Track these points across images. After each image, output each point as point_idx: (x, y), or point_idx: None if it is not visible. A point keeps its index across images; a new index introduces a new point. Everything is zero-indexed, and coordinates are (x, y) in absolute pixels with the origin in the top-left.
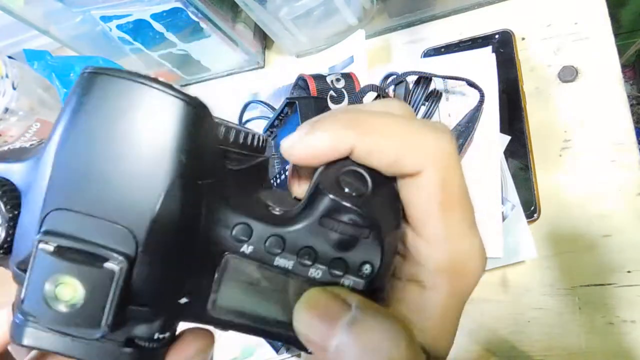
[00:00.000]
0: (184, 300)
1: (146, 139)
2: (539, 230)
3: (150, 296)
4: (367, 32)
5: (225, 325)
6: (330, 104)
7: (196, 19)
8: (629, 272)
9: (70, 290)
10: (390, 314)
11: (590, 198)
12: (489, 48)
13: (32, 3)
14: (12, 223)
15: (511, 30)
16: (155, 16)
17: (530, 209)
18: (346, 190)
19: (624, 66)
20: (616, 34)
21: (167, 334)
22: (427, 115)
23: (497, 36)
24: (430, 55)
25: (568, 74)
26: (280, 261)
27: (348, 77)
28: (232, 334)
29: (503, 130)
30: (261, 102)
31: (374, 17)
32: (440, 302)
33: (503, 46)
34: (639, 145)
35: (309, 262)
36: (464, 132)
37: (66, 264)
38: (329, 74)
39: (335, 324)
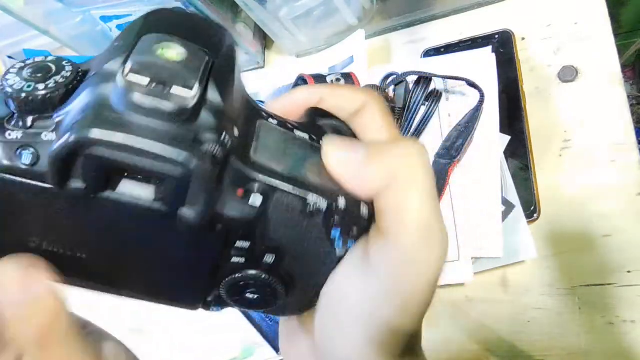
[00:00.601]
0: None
1: None
2: (539, 230)
3: (225, 93)
4: (367, 32)
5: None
6: None
7: None
8: (629, 272)
9: (173, 51)
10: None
11: (590, 198)
12: (489, 48)
13: (32, 3)
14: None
15: (511, 30)
16: None
17: (530, 209)
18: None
19: (624, 66)
20: (616, 34)
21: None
22: (427, 115)
23: (497, 36)
24: (430, 55)
25: (568, 74)
26: (297, 133)
27: (348, 77)
28: (232, 334)
29: (503, 130)
30: (261, 102)
31: (374, 17)
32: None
33: (503, 46)
34: (639, 145)
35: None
36: (463, 132)
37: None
38: (329, 74)
39: (358, 151)
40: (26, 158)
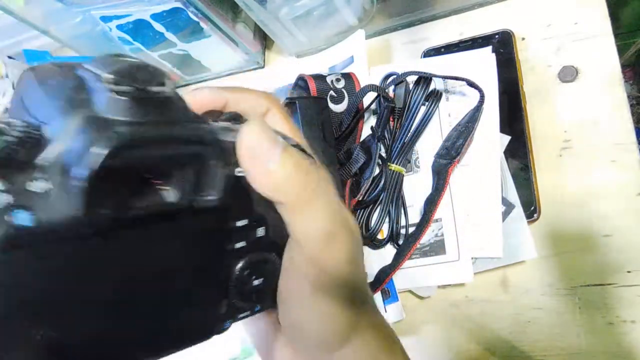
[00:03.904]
0: None
1: None
2: (539, 230)
3: None
4: (367, 32)
5: None
6: (330, 104)
7: (196, 19)
8: (629, 272)
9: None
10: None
11: (590, 198)
12: (489, 48)
13: (32, 3)
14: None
15: (511, 30)
16: (155, 16)
17: (530, 209)
18: None
19: (624, 66)
20: (616, 34)
21: None
22: (427, 115)
23: (497, 36)
24: (430, 55)
25: (568, 74)
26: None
27: (348, 77)
28: (232, 334)
29: (503, 130)
30: None
31: (374, 17)
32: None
33: (503, 46)
34: (639, 145)
35: None
36: (464, 132)
37: None
38: (329, 74)
39: (276, 142)
40: (23, 219)
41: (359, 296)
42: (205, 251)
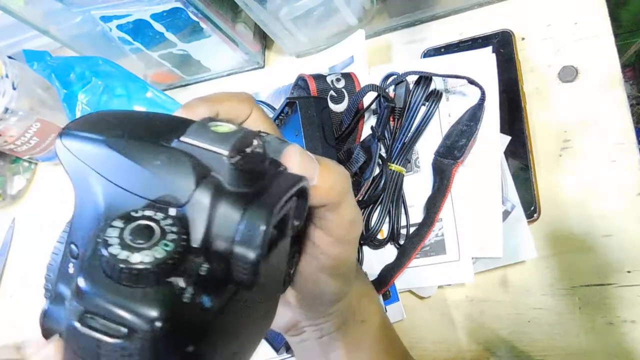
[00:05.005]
0: None
1: None
2: (539, 230)
3: None
4: (367, 32)
5: None
6: (330, 104)
7: (196, 19)
8: (629, 272)
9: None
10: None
11: (590, 198)
12: (489, 48)
13: (32, 3)
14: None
15: (511, 30)
16: (155, 16)
17: (530, 209)
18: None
19: (624, 66)
20: (616, 34)
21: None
22: (427, 115)
23: (497, 36)
24: (430, 55)
25: (568, 74)
26: None
27: (348, 77)
28: None
29: (503, 130)
30: (261, 102)
31: (374, 17)
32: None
33: (503, 46)
34: (639, 145)
35: None
36: (466, 132)
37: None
38: (329, 74)
39: (313, 160)
40: (207, 301)
41: (354, 266)
42: (285, 259)
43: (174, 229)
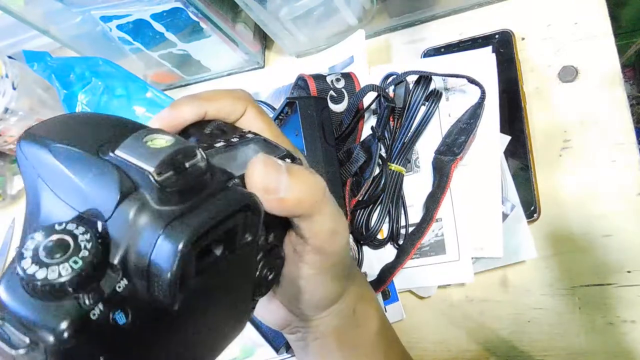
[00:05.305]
0: None
1: None
2: (539, 230)
3: None
4: (367, 32)
5: None
6: (330, 104)
7: (196, 19)
8: (629, 272)
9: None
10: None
11: (590, 198)
12: (489, 48)
13: (32, 3)
14: None
15: (511, 30)
16: (155, 16)
17: (530, 209)
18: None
19: (624, 66)
20: (616, 34)
21: None
22: (427, 115)
23: (497, 36)
24: (430, 55)
25: (568, 74)
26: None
27: (348, 77)
28: None
29: (503, 130)
30: (261, 102)
31: (374, 17)
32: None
33: (503, 46)
34: (639, 145)
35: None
36: (465, 129)
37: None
38: (329, 74)
39: (280, 171)
40: (120, 319)
41: (346, 271)
42: (250, 268)
43: (89, 245)
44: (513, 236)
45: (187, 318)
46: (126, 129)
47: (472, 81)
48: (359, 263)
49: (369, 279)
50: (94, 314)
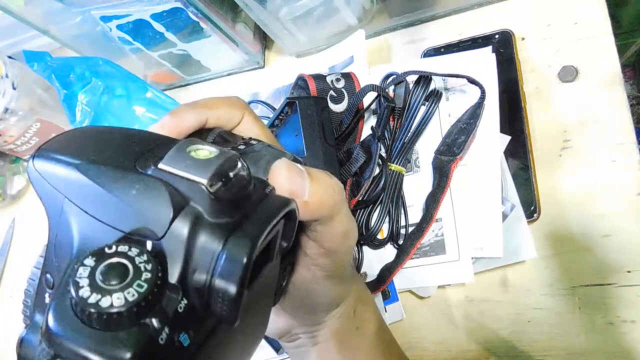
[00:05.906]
0: None
1: None
2: (539, 230)
3: None
4: (367, 32)
5: None
6: (330, 104)
7: (196, 19)
8: (629, 272)
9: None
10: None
11: (590, 198)
12: (489, 48)
13: (32, 3)
14: None
15: (511, 30)
16: (155, 16)
17: (530, 209)
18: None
19: (624, 66)
20: (616, 34)
21: None
22: (427, 115)
23: (497, 36)
24: (430, 55)
25: (568, 74)
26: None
27: (348, 77)
28: None
29: (503, 130)
30: (261, 102)
31: (374, 17)
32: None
33: (503, 46)
34: (639, 145)
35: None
36: (465, 129)
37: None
38: (329, 74)
39: (303, 175)
40: (185, 339)
41: (349, 271)
42: (276, 276)
43: (149, 266)
44: (513, 236)
45: (240, 332)
46: (153, 141)
47: (472, 81)
48: (359, 263)
49: (369, 279)
50: (161, 339)
